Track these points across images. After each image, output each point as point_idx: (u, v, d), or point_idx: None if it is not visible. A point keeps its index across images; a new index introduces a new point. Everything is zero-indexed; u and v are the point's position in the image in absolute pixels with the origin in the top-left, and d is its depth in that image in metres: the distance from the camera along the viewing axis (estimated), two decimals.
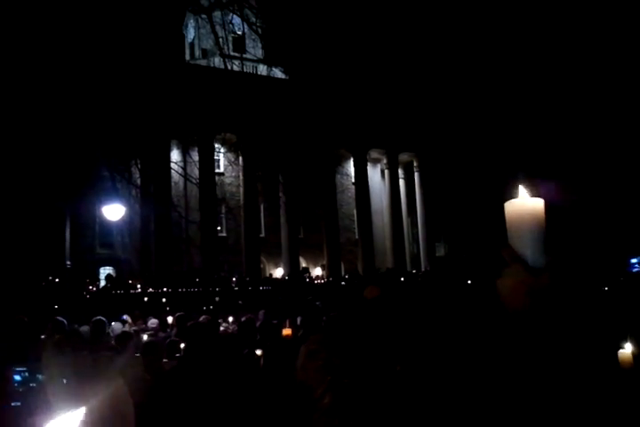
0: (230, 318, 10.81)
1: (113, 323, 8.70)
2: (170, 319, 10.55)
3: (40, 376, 3.14)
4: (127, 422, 0.82)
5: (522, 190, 1.28)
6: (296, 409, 0.98)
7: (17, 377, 3.12)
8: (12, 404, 2.89)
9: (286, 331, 6.52)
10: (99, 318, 6.64)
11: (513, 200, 1.28)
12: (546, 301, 1.19)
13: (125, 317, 11.39)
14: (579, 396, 1.09)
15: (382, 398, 0.93)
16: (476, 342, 1.22)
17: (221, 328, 9.19)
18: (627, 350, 3.43)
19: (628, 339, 3.46)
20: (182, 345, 6.61)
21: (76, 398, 0.77)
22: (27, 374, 3.18)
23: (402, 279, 29.65)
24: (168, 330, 9.95)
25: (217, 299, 24.08)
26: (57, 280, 21.62)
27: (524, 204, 1.27)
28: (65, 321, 6.14)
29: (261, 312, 11.10)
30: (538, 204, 1.28)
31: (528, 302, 1.19)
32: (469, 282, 24.35)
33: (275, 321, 7.76)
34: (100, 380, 0.78)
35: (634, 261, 36.30)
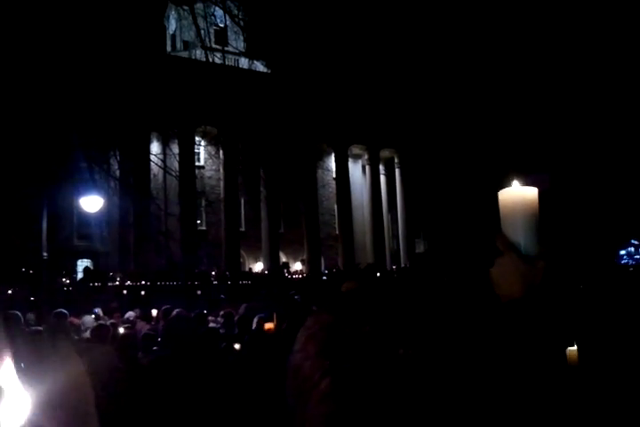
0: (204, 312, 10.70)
1: (85, 316, 8.60)
2: (154, 312, 10.45)
3: None
4: (86, 411, 0.78)
5: (516, 183, 1.28)
6: (290, 394, 0.95)
7: None
8: None
9: (268, 325, 6.47)
10: (59, 310, 6.61)
11: (507, 189, 1.28)
12: (540, 289, 1.18)
13: (97, 310, 11.25)
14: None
15: (382, 383, 0.91)
16: (467, 332, 1.22)
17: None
18: (575, 347, 3.45)
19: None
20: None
21: (33, 383, 0.73)
22: None
23: (378, 275, 29.74)
24: (152, 323, 9.84)
25: (199, 292, 23.97)
26: (32, 272, 21.37)
27: (518, 192, 1.27)
28: (19, 314, 6.07)
29: (243, 306, 10.99)
30: (531, 192, 1.28)
31: (522, 291, 1.19)
32: (447, 278, 24.46)
33: (261, 315, 7.69)
34: (59, 366, 0.74)
35: (622, 252, 36.88)
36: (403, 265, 39.24)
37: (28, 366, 0.77)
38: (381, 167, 43.32)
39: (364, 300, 1.07)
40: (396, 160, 43.15)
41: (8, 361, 0.62)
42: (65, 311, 6.58)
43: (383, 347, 0.95)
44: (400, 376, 0.93)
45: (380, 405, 0.89)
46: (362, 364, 0.93)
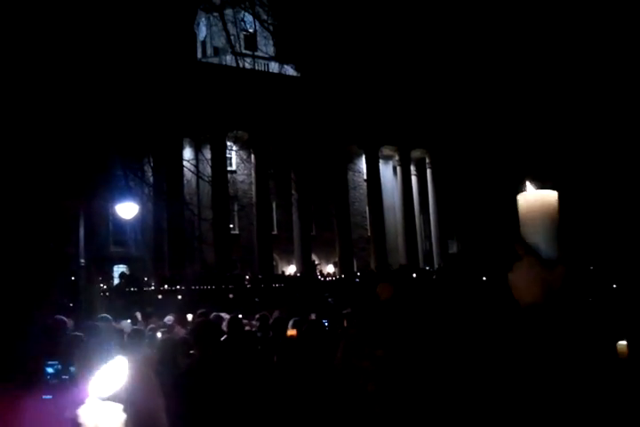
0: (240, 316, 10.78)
1: (123, 321, 8.73)
2: (189, 317, 10.58)
3: (72, 369, 3.10)
4: (158, 413, 0.83)
5: (529, 186, 1.27)
6: (340, 397, 1.01)
7: (49, 369, 3.07)
8: (44, 397, 2.83)
9: (291, 331, 6.47)
10: (103, 315, 6.71)
11: (526, 192, 1.27)
12: (560, 294, 1.17)
13: (137, 314, 11.44)
14: (584, 391, 1.09)
15: (422, 385, 0.96)
16: (487, 338, 1.22)
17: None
18: (624, 341, 3.51)
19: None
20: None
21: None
22: (59, 366, 3.13)
23: (414, 276, 29.61)
24: (188, 327, 9.95)
25: (230, 296, 24.17)
26: (72, 278, 21.78)
27: (537, 196, 1.25)
28: (66, 319, 6.19)
29: (276, 312, 11.01)
30: (551, 196, 1.26)
31: (542, 295, 1.18)
32: (484, 279, 24.26)
33: (297, 318, 7.70)
34: (131, 372, 0.78)
35: None
36: (436, 266, 38.99)
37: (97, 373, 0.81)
38: (412, 168, 43.11)
39: (406, 311, 1.10)
40: (427, 160, 42.90)
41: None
42: (109, 317, 6.69)
43: (422, 355, 0.99)
44: (434, 380, 0.97)
45: (421, 404, 0.93)
46: (402, 368, 0.97)
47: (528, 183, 1.26)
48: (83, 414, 0.61)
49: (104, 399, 0.63)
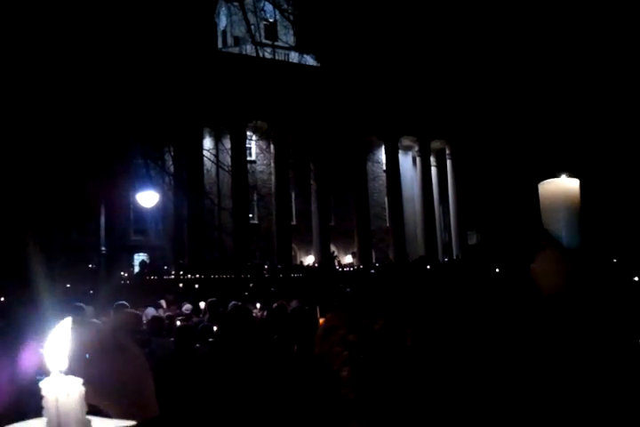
0: (258, 305, 10.87)
1: (147, 308, 8.83)
2: (202, 305, 10.68)
3: None
4: (146, 399, 0.83)
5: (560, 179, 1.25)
6: (315, 382, 1.01)
7: None
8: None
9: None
10: (121, 302, 6.79)
11: (547, 181, 1.25)
12: (583, 283, 1.17)
13: (162, 301, 11.58)
14: (607, 382, 1.08)
15: (398, 373, 0.95)
16: (501, 327, 1.22)
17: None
18: None
19: None
20: (215, 329, 6.69)
21: (96, 372, 0.79)
22: None
23: (428, 267, 29.52)
24: (201, 315, 10.06)
25: (251, 285, 24.29)
26: (93, 266, 22.03)
27: (559, 184, 1.24)
28: (84, 306, 6.28)
29: (294, 301, 11.05)
30: (573, 184, 1.25)
31: (565, 285, 1.17)
32: (498, 270, 24.13)
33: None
34: (119, 353, 0.79)
35: None
36: (455, 257, 38.85)
37: (92, 355, 0.82)
38: (432, 158, 42.88)
39: (381, 295, 1.09)
40: (447, 151, 42.64)
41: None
42: (126, 303, 6.78)
43: (395, 339, 0.98)
44: (411, 367, 0.97)
45: (397, 392, 0.93)
46: (376, 355, 0.97)
47: (563, 175, 1.24)
48: (44, 387, 0.62)
49: (65, 373, 0.64)
